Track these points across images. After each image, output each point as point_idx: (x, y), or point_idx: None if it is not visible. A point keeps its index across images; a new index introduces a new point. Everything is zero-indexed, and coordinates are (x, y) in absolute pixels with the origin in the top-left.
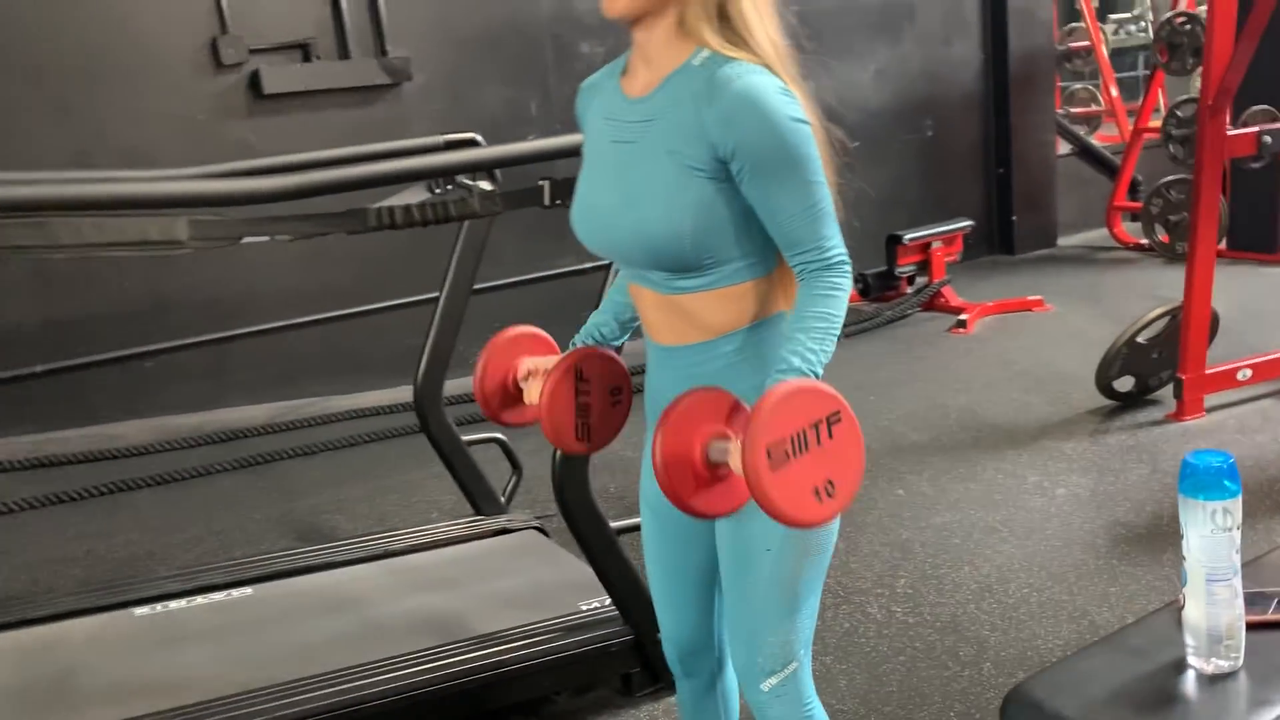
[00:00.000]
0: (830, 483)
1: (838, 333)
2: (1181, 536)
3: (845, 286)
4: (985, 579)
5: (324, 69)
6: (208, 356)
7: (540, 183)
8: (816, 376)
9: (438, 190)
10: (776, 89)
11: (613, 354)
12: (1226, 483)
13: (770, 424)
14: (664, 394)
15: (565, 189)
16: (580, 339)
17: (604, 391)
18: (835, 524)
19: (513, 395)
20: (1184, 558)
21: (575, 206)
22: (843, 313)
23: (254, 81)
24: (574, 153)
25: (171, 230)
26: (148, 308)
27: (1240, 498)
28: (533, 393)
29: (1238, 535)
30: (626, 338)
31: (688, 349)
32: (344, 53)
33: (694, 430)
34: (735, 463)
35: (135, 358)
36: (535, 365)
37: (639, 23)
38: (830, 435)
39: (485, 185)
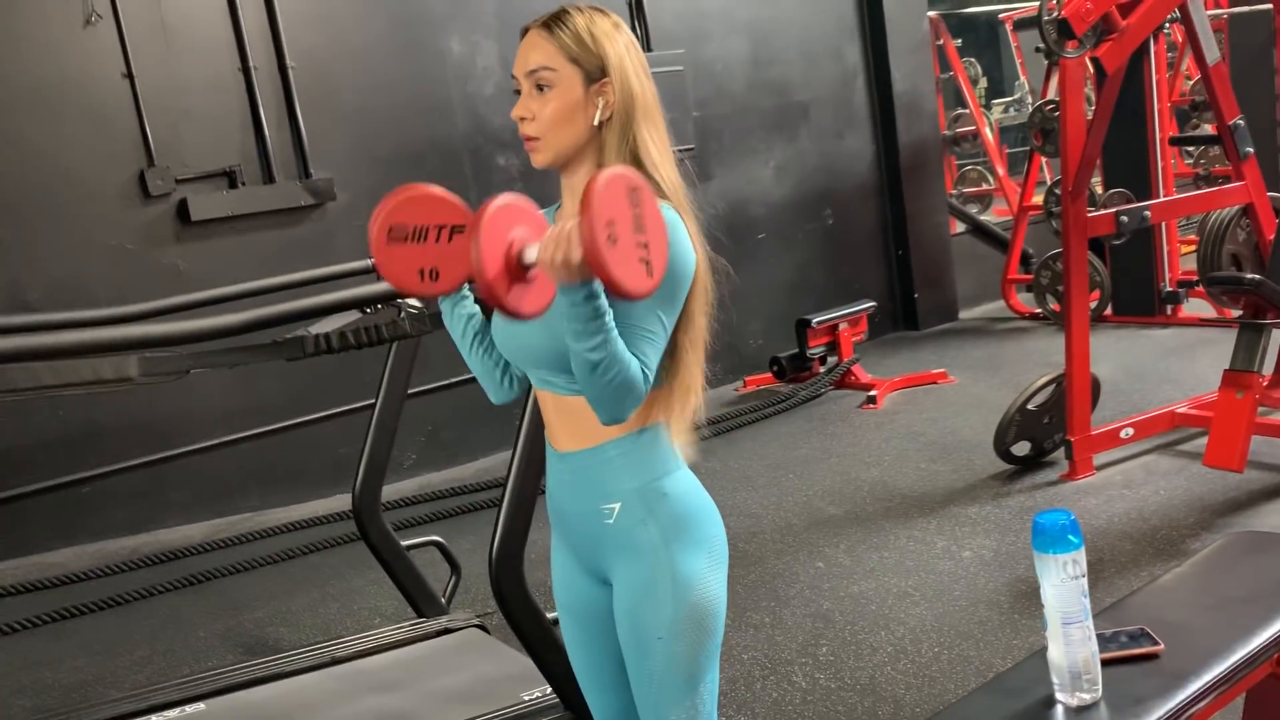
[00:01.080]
0: (647, 248)
1: (615, 371)
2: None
3: (636, 382)
4: (900, 641)
5: (250, 194)
6: (143, 479)
7: None
8: (595, 324)
9: (369, 311)
10: (678, 223)
11: (440, 195)
12: (1071, 538)
13: (601, 205)
14: (561, 499)
15: (489, 309)
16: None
17: (439, 231)
18: (722, 607)
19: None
20: (1043, 605)
21: (496, 319)
22: (621, 379)
23: (182, 210)
24: None
25: (123, 369)
26: (82, 434)
27: (1083, 549)
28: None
29: (1085, 582)
30: (478, 344)
31: (578, 454)
32: (269, 177)
33: (505, 234)
34: (552, 254)
35: (71, 484)
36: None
37: (565, 168)
38: (643, 214)
39: (414, 304)
